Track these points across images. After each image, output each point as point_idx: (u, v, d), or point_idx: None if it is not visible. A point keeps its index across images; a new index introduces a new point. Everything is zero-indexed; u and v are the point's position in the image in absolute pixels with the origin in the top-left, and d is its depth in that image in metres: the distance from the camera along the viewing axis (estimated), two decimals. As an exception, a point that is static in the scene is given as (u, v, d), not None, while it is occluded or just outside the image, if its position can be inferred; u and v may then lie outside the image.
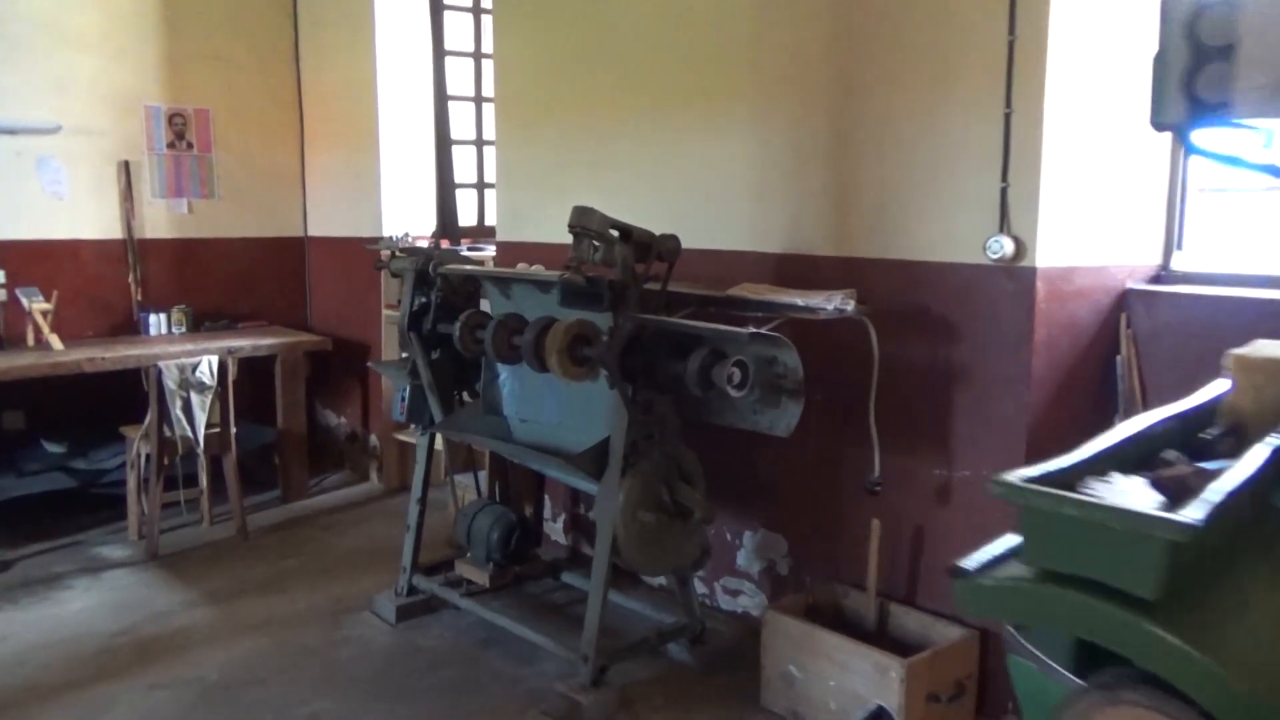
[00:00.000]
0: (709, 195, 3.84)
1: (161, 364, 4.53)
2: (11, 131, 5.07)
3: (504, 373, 3.89)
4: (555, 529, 4.70)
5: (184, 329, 5.59)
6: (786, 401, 2.94)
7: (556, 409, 3.71)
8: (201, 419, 4.65)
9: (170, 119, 5.59)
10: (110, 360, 4.78)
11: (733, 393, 2.80)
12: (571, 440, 3.63)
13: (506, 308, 3.75)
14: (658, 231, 3.21)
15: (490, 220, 5.19)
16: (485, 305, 4.31)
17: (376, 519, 5.23)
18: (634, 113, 4.12)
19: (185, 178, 5.68)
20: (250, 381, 5.44)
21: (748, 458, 3.73)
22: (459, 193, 5.30)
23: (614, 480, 3.18)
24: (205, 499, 4.92)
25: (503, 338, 3.48)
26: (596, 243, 3.11)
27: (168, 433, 4.60)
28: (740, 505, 3.85)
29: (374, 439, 5.87)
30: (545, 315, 3.33)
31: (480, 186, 5.22)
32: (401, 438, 5.56)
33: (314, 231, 6.20)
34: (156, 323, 5.54)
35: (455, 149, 5.21)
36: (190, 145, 5.68)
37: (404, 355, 4.17)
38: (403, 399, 3.94)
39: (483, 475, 4.48)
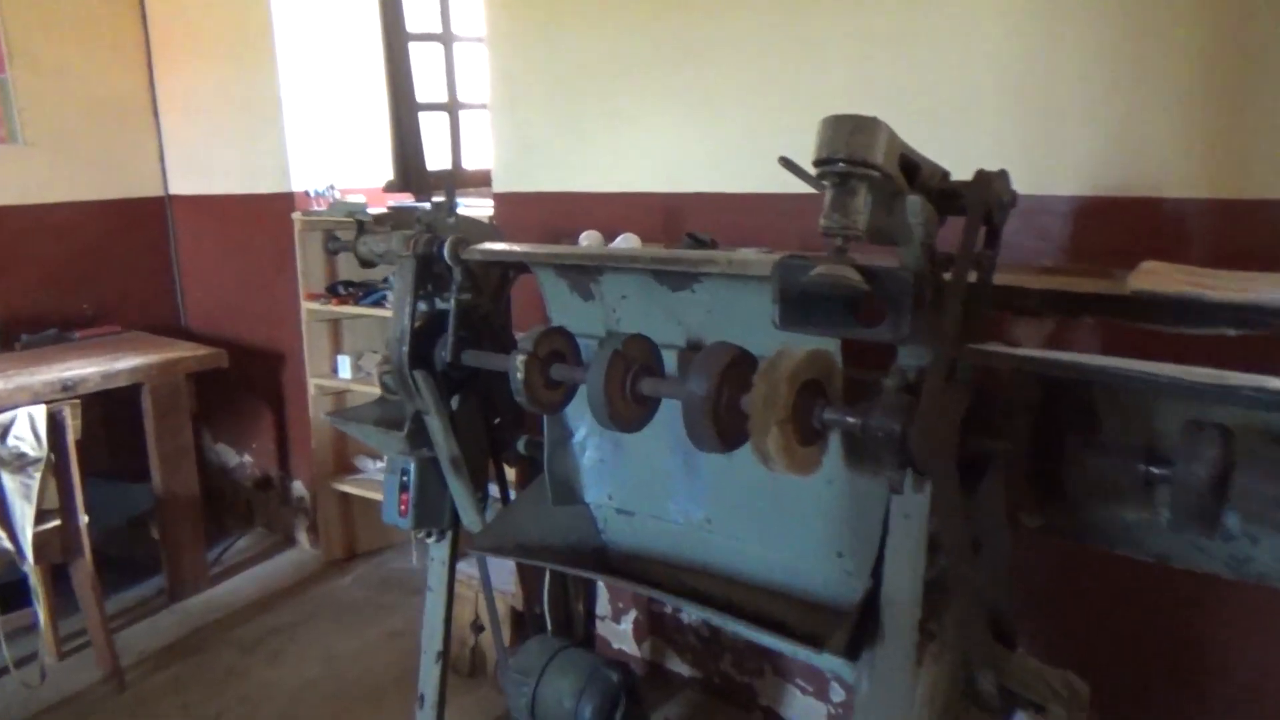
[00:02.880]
0: (919, 104, 2.22)
1: (-57, 431, 2.64)
2: None
3: (582, 427, 2.22)
4: (620, 634, 3.08)
5: (-13, 348, 3.63)
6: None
7: (699, 494, 2.08)
8: (26, 514, 2.78)
9: (-70, 18, 3.53)
10: None
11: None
12: (750, 557, 2.02)
13: (584, 316, 2.08)
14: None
15: (473, 162, 3.42)
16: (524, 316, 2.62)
17: (323, 618, 3.48)
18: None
19: (-34, 112, 3.64)
20: (102, 410, 3.56)
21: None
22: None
23: (899, 666, 1.60)
24: (46, 629, 3.06)
25: (620, 384, 1.81)
26: (865, 193, 1.47)
27: (-32, 541, 2.73)
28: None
29: (299, 486, 4.06)
30: (713, 341, 1.68)
31: (452, 109, 3.40)
32: (344, 487, 3.79)
33: (180, 189, 4.24)
34: (-60, 342, 3.56)
35: (412, 52, 3.36)
36: (-31, 60, 3.63)
37: (385, 394, 2.43)
38: (404, 487, 2.21)
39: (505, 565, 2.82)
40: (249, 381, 4.05)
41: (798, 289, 1.61)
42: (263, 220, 3.83)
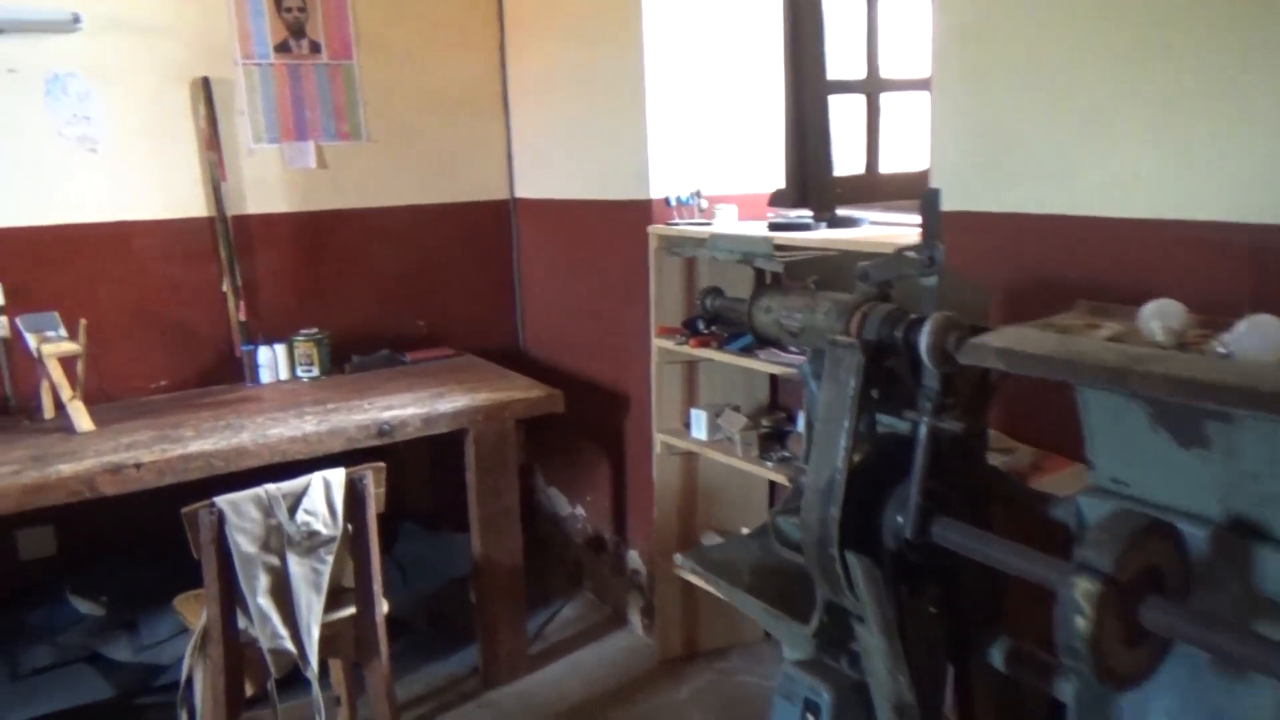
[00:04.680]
0: None
1: (225, 502, 2.12)
2: (-7, 30, 2.78)
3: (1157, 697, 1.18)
4: None
5: (315, 371, 3.23)
6: None
7: None
8: (314, 607, 2.22)
9: (279, 0, 3.17)
10: (151, 469, 2.43)
11: None
12: None
13: (1178, 475, 1.05)
14: None
15: (888, 166, 2.45)
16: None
17: (656, 749, 2.71)
18: None
19: (310, 105, 3.25)
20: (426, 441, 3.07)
21: None
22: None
23: None
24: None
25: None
26: None
27: (245, 627, 2.21)
28: None
29: (635, 558, 3.34)
30: None
31: (871, 90, 2.43)
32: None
33: (526, 191, 3.67)
34: (270, 361, 3.20)
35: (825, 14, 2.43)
36: (316, 47, 3.24)
37: (778, 541, 1.53)
38: (809, 730, 1.31)
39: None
40: (586, 423, 3.39)
41: None
42: (613, 233, 3.13)
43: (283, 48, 3.17)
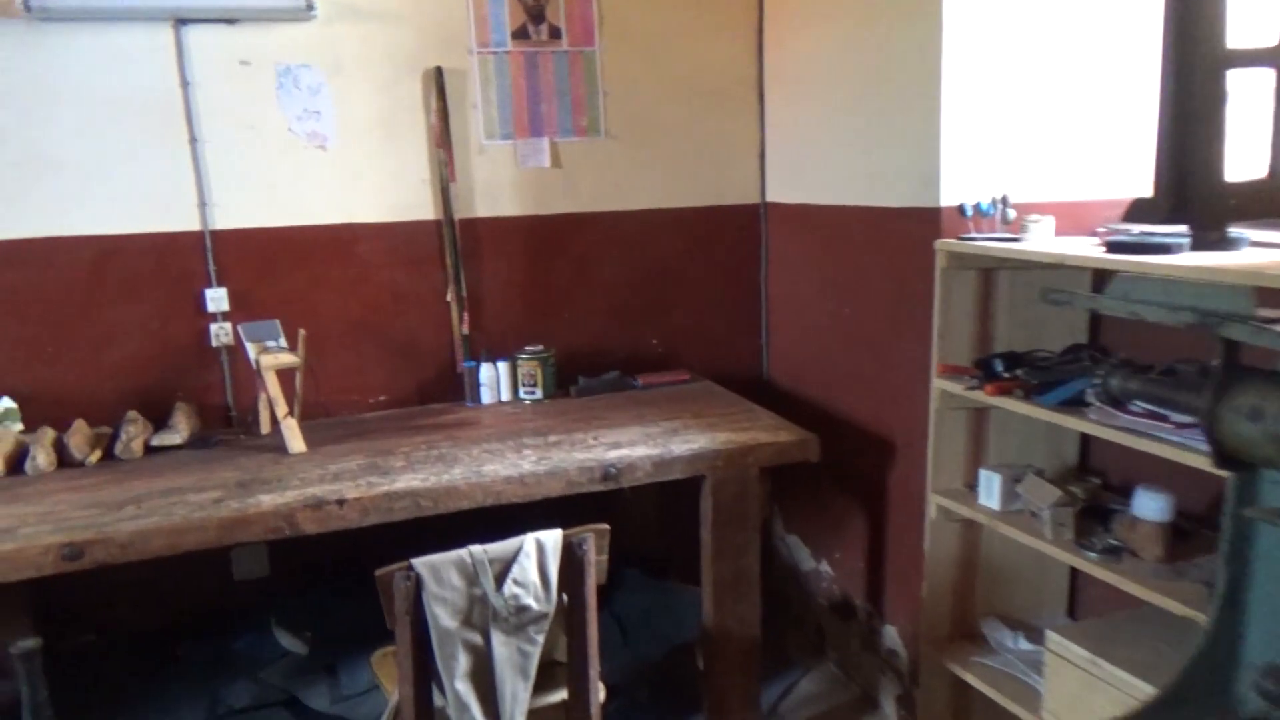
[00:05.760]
0: None
1: (424, 566, 1.79)
2: (228, 19, 2.62)
3: None
4: None
5: (538, 393, 2.91)
6: None
7: None
8: (519, 695, 1.86)
9: (518, -19, 2.86)
10: (354, 506, 2.15)
11: None
12: None
13: None
14: None
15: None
16: None
17: None
18: None
19: (547, 98, 2.93)
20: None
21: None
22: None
23: None
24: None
25: None
26: None
27: (442, 706, 1.88)
28: None
29: (892, 635, 2.79)
30: None
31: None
32: (962, 672, 2.42)
33: (780, 195, 3.19)
34: (491, 380, 2.91)
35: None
36: (556, 33, 2.91)
37: None
38: None
39: None
40: (839, 469, 2.88)
41: None
42: (887, 246, 2.60)
43: (520, 34, 2.86)
